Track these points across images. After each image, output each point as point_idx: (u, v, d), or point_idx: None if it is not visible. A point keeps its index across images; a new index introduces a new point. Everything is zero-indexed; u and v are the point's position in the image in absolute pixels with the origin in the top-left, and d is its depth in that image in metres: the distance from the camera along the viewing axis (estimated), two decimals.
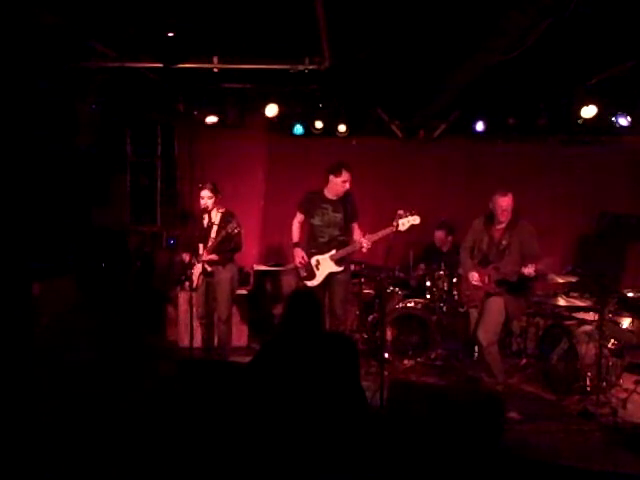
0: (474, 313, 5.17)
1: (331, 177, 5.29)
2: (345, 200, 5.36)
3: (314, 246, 5.38)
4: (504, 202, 4.96)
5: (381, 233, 5.08)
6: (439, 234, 6.91)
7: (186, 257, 5.65)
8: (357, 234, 5.34)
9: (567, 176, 7.44)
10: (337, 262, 5.30)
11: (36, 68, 5.26)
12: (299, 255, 5.36)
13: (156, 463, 1.78)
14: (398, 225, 4.90)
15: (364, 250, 5.22)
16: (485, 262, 5.06)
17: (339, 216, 5.33)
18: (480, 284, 5.04)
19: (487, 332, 4.98)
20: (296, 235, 5.51)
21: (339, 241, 5.33)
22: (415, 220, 4.93)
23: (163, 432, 1.75)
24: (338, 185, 5.27)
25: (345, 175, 5.24)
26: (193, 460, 1.78)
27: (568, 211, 7.56)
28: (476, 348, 6.09)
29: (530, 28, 4.00)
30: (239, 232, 5.42)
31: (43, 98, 5.53)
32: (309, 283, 5.33)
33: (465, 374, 5.81)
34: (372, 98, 7.15)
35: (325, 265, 5.34)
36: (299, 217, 5.52)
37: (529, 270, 4.68)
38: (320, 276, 5.34)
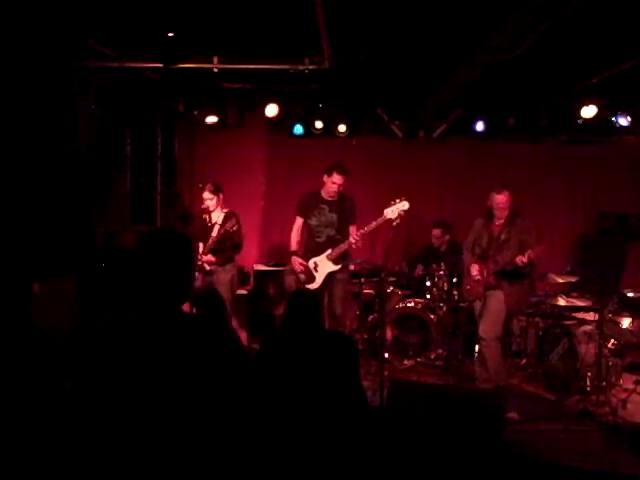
0: (478, 306, 5.25)
1: (324, 177, 5.39)
2: (342, 202, 5.43)
3: (312, 247, 5.43)
4: (501, 199, 5.07)
5: (373, 224, 5.13)
6: (436, 232, 6.94)
7: None
8: (352, 233, 5.37)
9: (567, 176, 7.44)
10: (334, 261, 5.34)
11: (36, 68, 5.26)
12: (297, 263, 5.40)
13: (157, 463, 1.78)
14: (387, 214, 4.98)
15: (353, 243, 5.24)
16: (484, 257, 5.17)
17: (335, 216, 5.39)
18: (479, 277, 5.13)
19: (488, 326, 5.07)
20: (294, 243, 5.55)
21: (335, 241, 5.36)
22: (404, 206, 4.98)
23: (165, 431, 1.75)
24: (328, 185, 5.36)
25: (336, 177, 5.30)
26: (194, 460, 1.78)
27: (568, 211, 7.57)
28: (476, 348, 6.11)
29: (530, 28, 4.00)
30: (237, 230, 5.41)
31: (43, 98, 5.53)
32: (310, 286, 5.34)
33: (465, 374, 5.81)
34: (372, 98, 7.14)
35: (323, 266, 5.36)
36: (298, 222, 5.55)
37: (521, 258, 4.80)
38: (320, 278, 5.37)
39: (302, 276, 5.40)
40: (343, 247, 5.31)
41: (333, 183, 5.32)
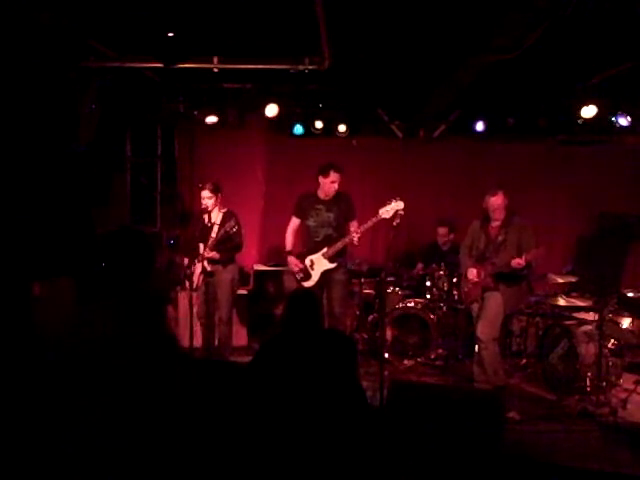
0: (475, 308, 5.27)
1: (320, 178, 5.41)
2: (339, 200, 5.46)
3: (310, 246, 5.46)
4: (495, 201, 5.11)
5: (368, 224, 5.16)
6: (441, 230, 6.91)
7: (185, 260, 5.68)
8: (351, 229, 5.39)
9: (567, 176, 7.43)
10: (330, 259, 5.36)
11: (36, 68, 5.26)
12: (293, 262, 5.47)
13: (158, 463, 1.78)
14: (382, 213, 5.01)
15: (354, 241, 5.24)
16: (482, 259, 5.19)
17: (332, 215, 5.42)
18: (477, 279, 5.15)
19: (485, 327, 5.10)
20: (289, 243, 5.60)
21: (332, 239, 5.39)
22: (398, 205, 4.99)
23: (166, 432, 1.75)
24: (327, 185, 5.39)
25: (333, 176, 5.34)
26: (195, 460, 1.78)
27: (568, 211, 7.56)
28: (476, 348, 6.11)
29: (530, 28, 4.00)
30: (238, 231, 5.43)
31: (43, 98, 5.53)
32: (306, 284, 5.40)
33: (465, 374, 5.81)
34: (372, 98, 7.15)
35: (319, 263, 5.40)
36: (294, 222, 5.59)
37: (517, 261, 4.82)
38: (315, 275, 5.40)
39: (298, 275, 5.45)
40: (339, 245, 5.34)
41: (332, 182, 5.36)
